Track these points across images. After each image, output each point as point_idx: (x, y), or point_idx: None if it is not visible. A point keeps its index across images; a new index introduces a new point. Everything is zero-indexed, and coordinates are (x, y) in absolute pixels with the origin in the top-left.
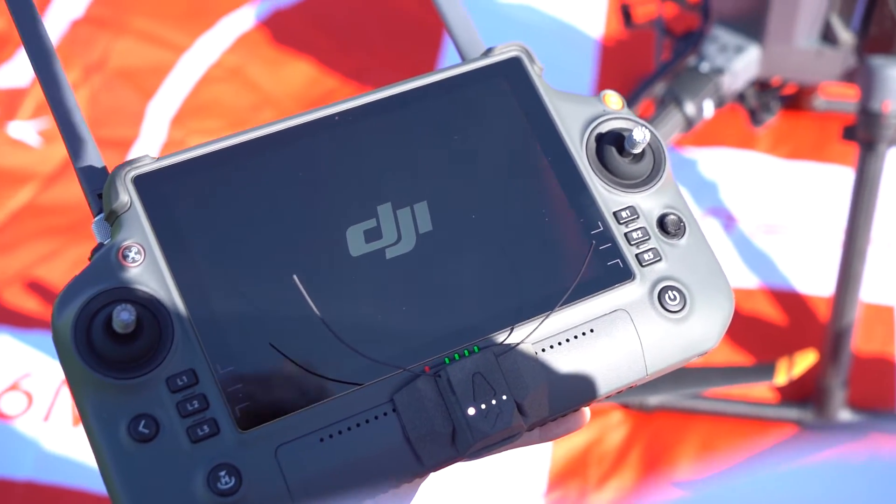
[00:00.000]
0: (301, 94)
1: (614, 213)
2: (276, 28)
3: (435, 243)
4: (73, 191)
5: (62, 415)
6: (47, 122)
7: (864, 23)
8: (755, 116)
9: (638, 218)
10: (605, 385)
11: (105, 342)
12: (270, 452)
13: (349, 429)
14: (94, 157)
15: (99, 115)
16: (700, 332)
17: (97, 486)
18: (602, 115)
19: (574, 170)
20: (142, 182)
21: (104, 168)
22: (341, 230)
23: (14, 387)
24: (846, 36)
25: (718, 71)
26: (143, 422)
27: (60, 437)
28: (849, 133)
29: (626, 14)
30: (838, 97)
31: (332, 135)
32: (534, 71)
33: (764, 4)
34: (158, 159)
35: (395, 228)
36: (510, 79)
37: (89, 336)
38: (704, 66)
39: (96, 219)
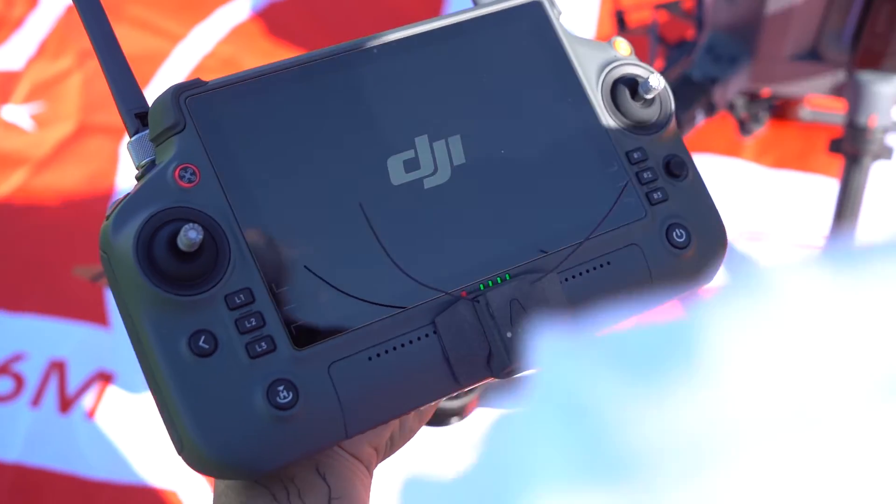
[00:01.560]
0: None
1: (626, 154)
2: (271, 20)
3: (468, 176)
4: (67, 174)
5: (51, 399)
6: (41, 105)
7: (854, 39)
8: (744, 126)
9: (648, 160)
10: (618, 313)
11: (168, 259)
12: (324, 369)
13: (394, 349)
14: (129, 76)
15: (93, 100)
16: (701, 267)
17: (85, 470)
18: (615, 60)
19: (592, 111)
20: (195, 103)
21: (139, 89)
22: (382, 160)
23: (4, 370)
24: (836, 51)
25: (711, 80)
26: (202, 337)
27: (49, 422)
28: (835, 146)
29: (621, 20)
30: (824, 108)
31: (373, 67)
32: (554, 14)
33: (758, 17)
34: (211, 82)
35: (431, 160)
36: (533, 21)
37: (151, 253)
38: (697, 75)
39: (135, 137)
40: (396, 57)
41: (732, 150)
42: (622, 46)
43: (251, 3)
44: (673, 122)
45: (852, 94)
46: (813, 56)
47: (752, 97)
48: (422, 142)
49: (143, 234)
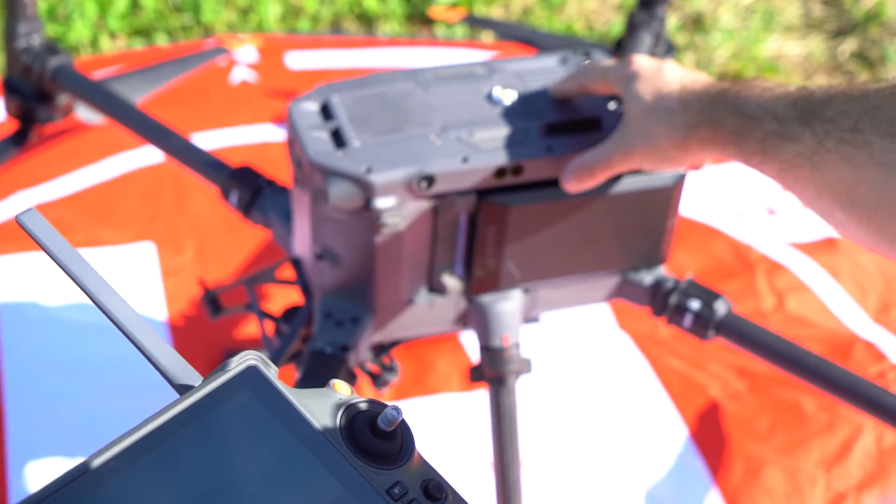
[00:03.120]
0: None
1: (387, 492)
2: None
3: None
4: None
5: None
6: None
7: (466, 268)
8: (378, 380)
9: (408, 491)
10: None
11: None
12: None
13: None
14: None
15: None
16: None
17: None
18: (342, 402)
19: (340, 460)
20: None
21: None
22: None
23: None
24: (453, 283)
25: (343, 348)
26: None
27: None
28: (476, 374)
29: (212, 301)
30: None
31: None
32: (272, 374)
33: (367, 273)
34: None
35: None
36: (254, 388)
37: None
38: (326, 347)
39: None
40: (128, 469)
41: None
42: (342, 387)
43: None
44: (416, 449)
45: (479, 319)
46: (432, 293)
47: (379, 346)
48: None
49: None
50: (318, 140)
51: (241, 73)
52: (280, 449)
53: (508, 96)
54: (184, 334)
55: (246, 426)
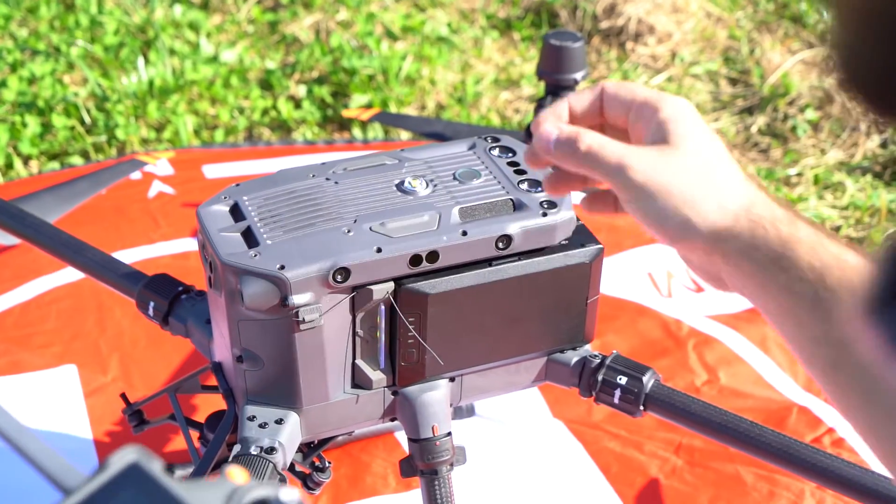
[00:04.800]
0: None
1: None
2: None
3: None
4: None
5: None
6: None
7: (389, 360)
8: (309, 481)
9: None
10: None
11: None
12: None
13: None
14: None
15: None
16: None
17: None
18: (234, 492)
19: None
20: None
21: None
22: None
23: None
24: (378, 376)
25: (269, 451)
26: None
27: None
28: (406, 467)
29: (135, 414)
30: None
31: None
32: (156, 470)
33: (292, 374)
34: None
35: None
36: (136, 485)
37: None
38: (254, 449)
39: None
40: None
41: None
42: (237, 474)
43: None
44: None
45: (406, 411)
46: (356, 388)
47: (308, 447)
48: None
49: None
50: (229, 241)
51: (159, 187)
52: None
53: (420, 184)
54: (111, 450)
55: None
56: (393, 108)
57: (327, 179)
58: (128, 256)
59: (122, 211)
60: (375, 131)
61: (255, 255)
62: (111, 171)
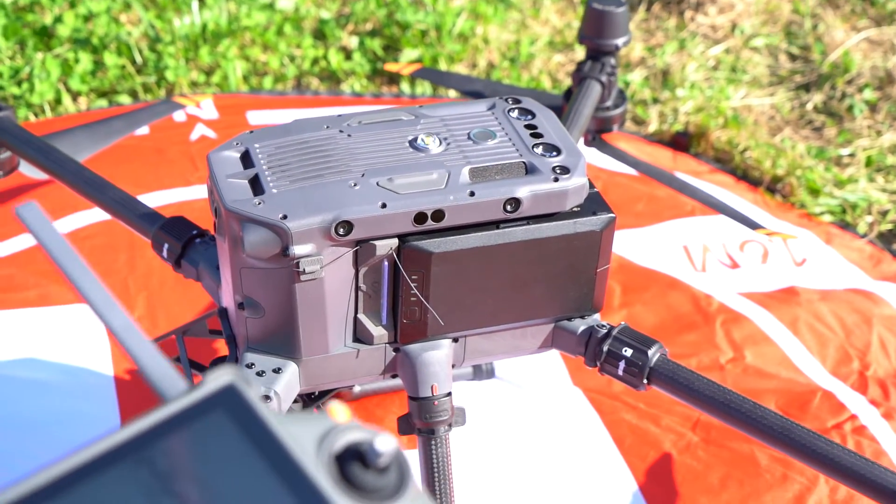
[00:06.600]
0: None
1: None
2: None
3: None
4: None
5: None
6: None
7: (391, 317)
8: None
9: None
10: None
11: None
12: None
13: None
14: None
15: None
16: None
17: None
18: (332, 429)
19: (318, 493)
20: None
21: None
22: None
23: None
24: (379, 332)
25: (265, 398)
26: None
27: None
28: (404, 425)
29: None
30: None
31: None
32: (251, 396)
33: (292, 324)
34: None
35: None
36: (229, 409)
37: None
38: None
39: None
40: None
41: None
42: (339, 412)
43: None
44: (414, 483)
45: (407, 369)
46: (357, 342)
47: (308, 398)
48: None
49: None
50: (235, 187)
51: (201, 130)
52: (249, 478)
53: (433, 142)
54: (130, 390)
55: (214, 449)
56: (443, 66)
57: (341, 132)
58: (163, 198)
59: (163, 152)
60: (423, 87)
61: (259, 203)
62: (146, 111)
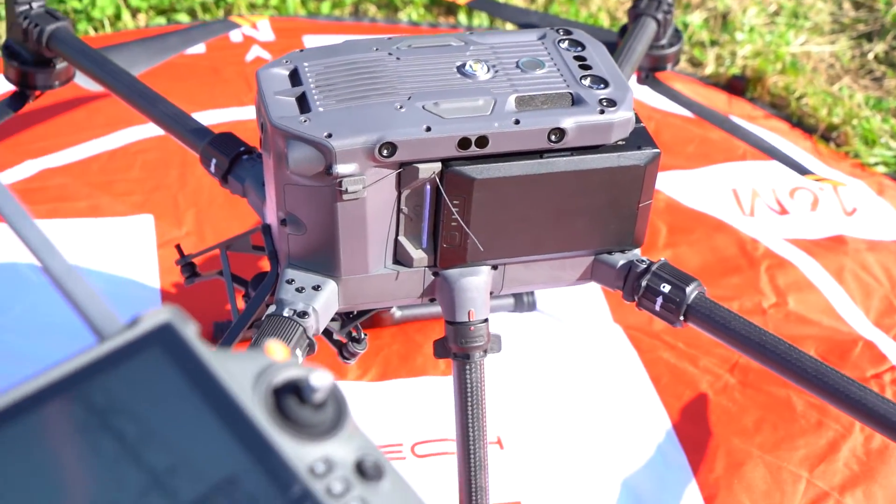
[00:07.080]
0: None
1: (309, 469)
2: None
3: None
4: None
5: None
6: None
7: (432, 240)
8: (344, 350)
9: (335, 468)
10: None
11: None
12: None
13: None
14: None
15: None
16: None
17: None
18: (269, 366)
19: (256, 431)
20: None
21: None
22: None
23: None
24: (419, 255)
25: (301, 314)
26: None
27: None
28: (440, 349)
29: (187, 266)
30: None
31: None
32: (188, 333)
33: (333, 243)
34: None
35: None
36: (165, 347)
37: None
38: (287, 311)
39: None
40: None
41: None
42: (276, 349)
43: None
44: (352, 420)
45: (444, 293)
46: (397, 264)
47: (346, 317)
48: None
49: None
50: (282, 104)
51: (257, 52)
52: (185, 414)
53: (481, 69)
54: (175, 303)
55: (149, 386)
56: None
57: (390, 54)
58: (217, 116)
59: (218, 71)
60: (481, 18)
61: (305, 121)
62: (202, 29)
